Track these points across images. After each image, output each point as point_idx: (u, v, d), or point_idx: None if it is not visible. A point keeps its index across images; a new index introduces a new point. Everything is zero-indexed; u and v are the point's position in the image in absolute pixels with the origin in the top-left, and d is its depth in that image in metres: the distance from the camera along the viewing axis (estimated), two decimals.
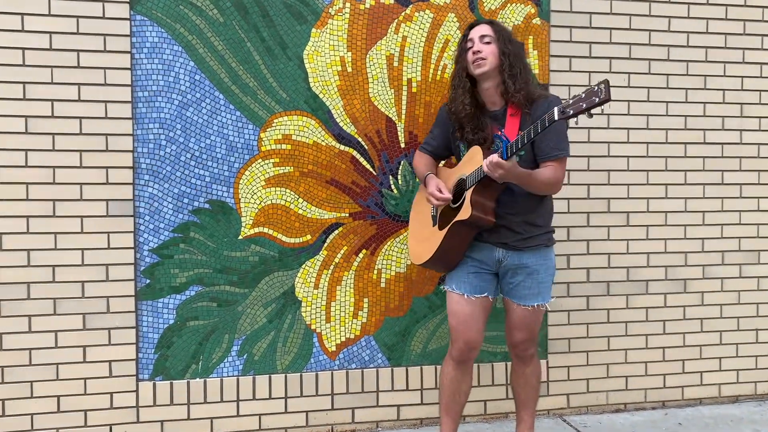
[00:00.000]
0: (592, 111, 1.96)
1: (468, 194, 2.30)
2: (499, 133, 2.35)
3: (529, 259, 2.38)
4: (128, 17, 2.63)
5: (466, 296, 2.40)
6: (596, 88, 1.93)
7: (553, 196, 2.49)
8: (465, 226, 2.32)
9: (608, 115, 3.08)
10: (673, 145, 3.16)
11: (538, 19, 2.97)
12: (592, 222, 3.10)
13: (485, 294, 2.41)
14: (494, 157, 2.12)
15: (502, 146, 2.16)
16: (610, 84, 3.04)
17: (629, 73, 3.09)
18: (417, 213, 2.66)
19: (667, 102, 3.14)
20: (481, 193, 2.29)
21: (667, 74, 3.13)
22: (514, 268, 2.39)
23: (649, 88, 3.12)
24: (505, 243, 2.37)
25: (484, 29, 2.38)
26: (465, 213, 2.28)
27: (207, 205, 2.73)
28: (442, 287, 2.56)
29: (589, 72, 3.04)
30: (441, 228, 2.41)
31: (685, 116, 3.17)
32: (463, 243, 2.38)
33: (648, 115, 3.13)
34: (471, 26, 2.43)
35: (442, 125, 2.54)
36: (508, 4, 2.94)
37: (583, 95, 1.96)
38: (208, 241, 2.74)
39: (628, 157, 3.11)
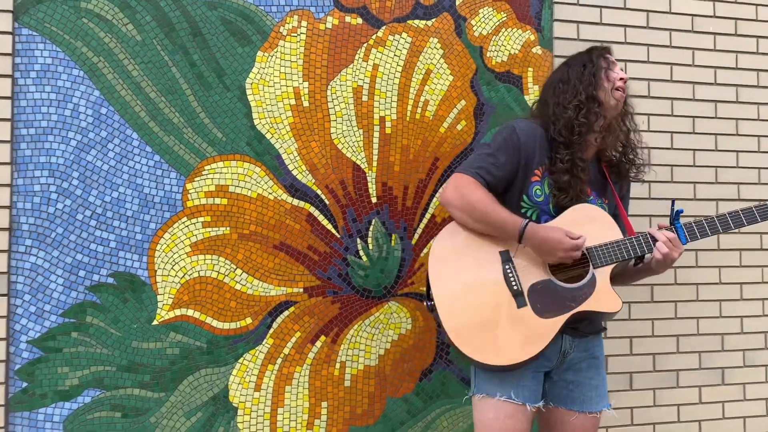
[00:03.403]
0: None
1: (603, 275, 1.77)
2: (590, 193, 1.90)
3: (595, 348, 1.86)
4: (10, 31, 2.01)
5: (528, 407, 1.76)
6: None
7: None
8: (586, 315, 1.77)
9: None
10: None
11: (538, 47, 2.43)
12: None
13: (541, 402, 1.81)
14: (675, 238, 1.79)
15: (677, 226, 1.82)
16: None
17: (649, 114, 2.54)
18: (460, 277, 1.81)
19: (694, 150, 2.59)
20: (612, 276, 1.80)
21: (694, 117, 2.60)
22: (578, 362, 1.81)
23: (672, 132, 2.57)
24: (576, 328, 1.80)
25: None
26: (613, 302, 1.76)
27: (111, 280, 2.05)
28: (472, 393, 1.84)
29: None
30: (547, 315, 1.74)
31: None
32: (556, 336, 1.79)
33: (671, 165, 2.56)
34: (608, 50, 1.95)
35: (514, 152, 1.83)
36: (503, 29, 2.39)
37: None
38: (111, 329, 2.04)
39: (650, 216, 2.53)
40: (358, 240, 2.25)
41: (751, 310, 2.61)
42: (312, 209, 2.22)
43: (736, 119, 2.64)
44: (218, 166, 2.15)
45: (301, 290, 2.20)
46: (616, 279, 1.89)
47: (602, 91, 1.84)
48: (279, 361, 2.17)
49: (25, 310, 2.00)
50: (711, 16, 2.61)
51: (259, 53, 2.19)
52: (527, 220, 1.76)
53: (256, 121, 2.18)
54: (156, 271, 2.09)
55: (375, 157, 2.27)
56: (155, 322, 2.09)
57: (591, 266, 1.77)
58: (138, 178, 2.10)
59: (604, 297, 1.75)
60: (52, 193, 2.04)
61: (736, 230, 2.57)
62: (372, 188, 2.26)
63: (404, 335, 2.27)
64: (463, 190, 1.79)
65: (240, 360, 2.14)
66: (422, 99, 2.31)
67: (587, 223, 1.79)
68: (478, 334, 1.75)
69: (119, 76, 2.09)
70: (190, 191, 2.13)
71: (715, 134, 2.61)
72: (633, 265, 1.88)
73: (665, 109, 2.56)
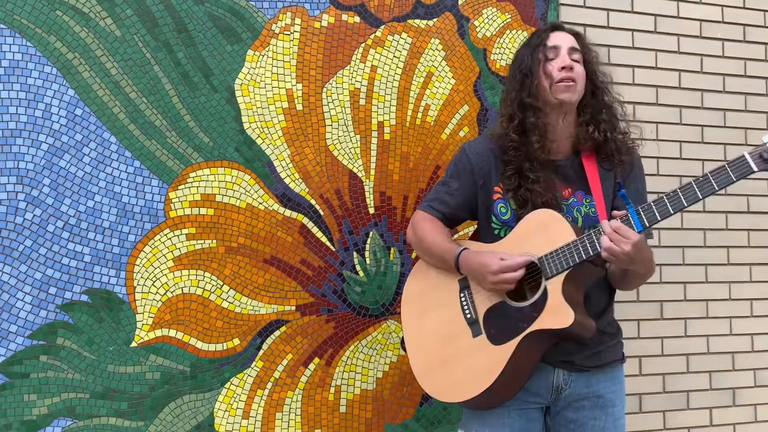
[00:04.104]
0: None
1: (555, 286, 1.52)
2: (572, 194, 1.65)
3: (600, 384, 1.62)
4: None
5: None
6: None
7: None
8: (549, 337, 1.54)
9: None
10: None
11: None
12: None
13: None
14: (623, 228, 1.45)
15: (630, 210, 1.46)
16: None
17: (657, 122, 2.44)
18: (422, 316, 1.75)
19: (703, 161, 2.49)
20: (573, 284, 1.54)
21: (702, 126, 2.50)
22: (578, 400, 1.61)
23: (681, 142, 2.47)
24: (570, 361, 1.60)
25: (571, 40, 1.69)
26: (559, 317, 1.49)
27: (85, 297, 1.89)
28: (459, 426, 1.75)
29: None
30: (499, 341, 1.57)
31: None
32: (531, 364, 1.58)
33: (680, 176, 2.46)
34: (551, 29, 1.72)
35: (467, 175, 1.73)
36: (507, 31, 2.27)
37: None
38: (85, 351, 1.87)
39: (659, 229, 2.42)
40: (355, 254, 2.10)
41: (762, 327, 2.51)
42: (305, 220, 2.06)
43: (744, 128, 2.54)
44: (204, 173, 1.99)
45: (294, 308, 2.04)
46: (617, 283, 1.69)
47: (542, 92, 1.64)
48: (269, 385, 2.00)
49: None
50: (719, 22, 2.52)
51: (250, 52, 2.04)
52: (462, 247, 1.65)
53: (245, 125, 2.02)
54: (135, 287, 1.92)
55: (373, 165, 2.12)
56: (134, 344, 1.91)
57: (543, 278, 1.57)
58: (116, 186, 1.92)
59: (553, 312, 1.51)
60: (21, 202, 1.86)
61: (747, 244, 2.49)
62: (369, 198, 2.12)
63: (404, 356, 2.12)
64: (415, 225, 1.78)
65: (227, 385, 1.97)
66: (423, 103, 2.18)
67: (538, 232, 1.59)
68: (439, 372, 1.67)
69: (96, 75, 1.92)
70: (174, 200, 1.96)
71: (724, 144, 2.52)
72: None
73: (674, 117, 2.45)
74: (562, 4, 2.34)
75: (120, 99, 1.93)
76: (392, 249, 2.12)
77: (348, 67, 2.12)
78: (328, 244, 2.08)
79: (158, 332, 1.93)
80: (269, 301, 2.02)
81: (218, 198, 1.99)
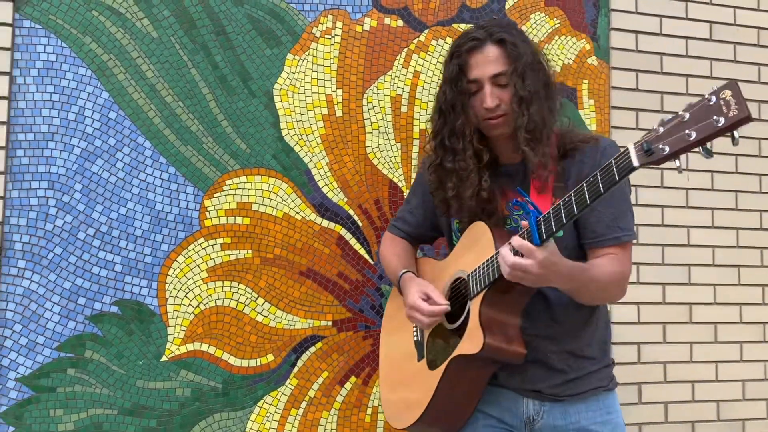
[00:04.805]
0: (709, 146, 1.04)
1: (474, 308, 1.38)
2: (521, 199, 1.36)
3: (581, 415, 1.44)
4: (10, 23, 1.80)
5: None
6: (714, 99, 1.02)
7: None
8: (474, 362, 1.39)
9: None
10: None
11: (594, 58, 2.21)
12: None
13: None
14: (517, 241, 1.25)
15: (530, 221, 1.25)
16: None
17: None
18: (390, 337, 1.70)
19: (760, 175, 2.36)
20: (496, 305, 1.37)
21: (760, 138, 2.37)
22: None
23: (737, 155, 2.35)
24: (538, 390, 1.44)
25: (494, 63, 1.42)
26: (472, 342, 1.36)
27: (115, 309, 1.82)
28: None
29: None
30: (433, 366, 1.47)
31: None
32: (473, 390, 1.44)
33: (736, 191, 2.34)
34: (469, 47, 1.43)
35: (422, 191, 1.64)
36: (556, 37, 2.18)
37: (688, 116, 1.05)
38: (114, 365, 1.80)
39: (713, 246, 2.30)
40: None
41: None
42: (343, 231, 1.97)
43: None
44: (241, 181, 1.91)
45: (330, 323, 1.94)
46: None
47: (467, 130, 1.45)
48: (303, 404, 1.91)
49: (14, 343, 1.75)
50: None
51: (289, 56, 1.97)
52: (404, 271, 1.61)
53: (283, 132, 1.95)
54: (167, 299, 1.84)
55: (414, 175, 2.03)
56: (164, 359, 1.83)
57: (468, 299, 1.43)
58: (149, 193, 1.85)
59: (469, 337, 1.37)
60: (51, 208, 1.80)
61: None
62: None
63: None
64: (380, 246, 1.76)
65: (259, 403, 1.88)
66: None
67: (472, 246, 1.46)
68: (392, 397, 1.63)
69: (131, 77, 1.86)
70: (209, 209, 1.89)
71: None
72: None
73: None
74: (613, 10, 2.24)
75: (155, 102, 1.87)
76: None
77: (390, 73, 2.04)
78: (366, 256, 1.99)
79: (190, 346, 1.84)
80: (305, 316, 1.93)
81: (254, 207, 1.91)
